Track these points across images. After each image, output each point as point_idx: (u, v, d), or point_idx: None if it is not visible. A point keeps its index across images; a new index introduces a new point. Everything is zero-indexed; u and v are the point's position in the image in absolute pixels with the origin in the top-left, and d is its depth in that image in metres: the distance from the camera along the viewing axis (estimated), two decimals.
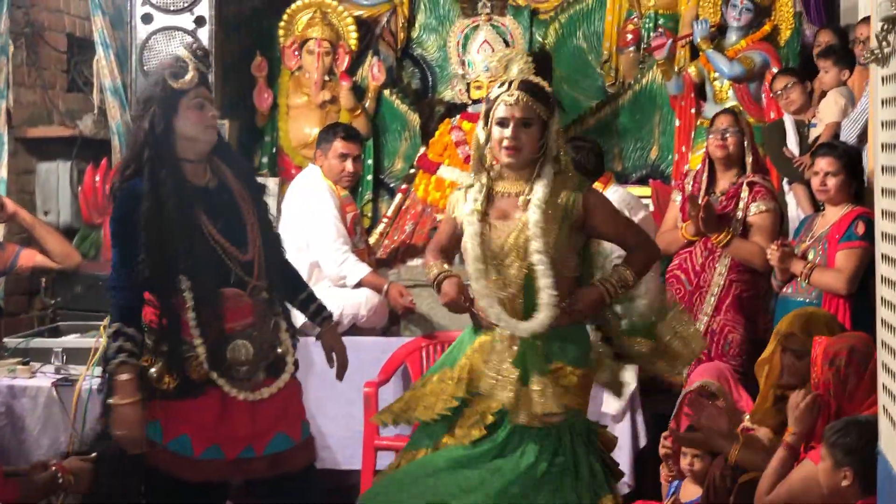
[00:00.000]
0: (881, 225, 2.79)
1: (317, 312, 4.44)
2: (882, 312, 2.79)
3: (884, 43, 2.64)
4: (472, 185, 4.17)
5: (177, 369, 3.99)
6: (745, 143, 5.76)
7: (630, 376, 5.83)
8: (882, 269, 2.79)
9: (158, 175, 3.95)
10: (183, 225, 3.96)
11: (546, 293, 4.00)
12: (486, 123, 4.13)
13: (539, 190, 4.05)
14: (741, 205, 5.66)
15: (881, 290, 2.80)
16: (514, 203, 4.10)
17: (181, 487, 4.06)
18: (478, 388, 4.10)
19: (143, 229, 3.92)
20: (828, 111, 6.46)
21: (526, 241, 4.01)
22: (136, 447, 3.97)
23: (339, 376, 4.45)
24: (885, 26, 2.62)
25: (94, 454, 4.62)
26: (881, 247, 2.80)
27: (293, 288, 4.42)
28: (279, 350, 4.19)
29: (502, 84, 4.12)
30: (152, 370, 3.99)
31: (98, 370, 4.89)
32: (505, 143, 4.05)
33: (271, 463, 4.12)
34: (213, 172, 4.15)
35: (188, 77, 4.01)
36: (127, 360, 3.92)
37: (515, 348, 4.06)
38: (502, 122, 4.06)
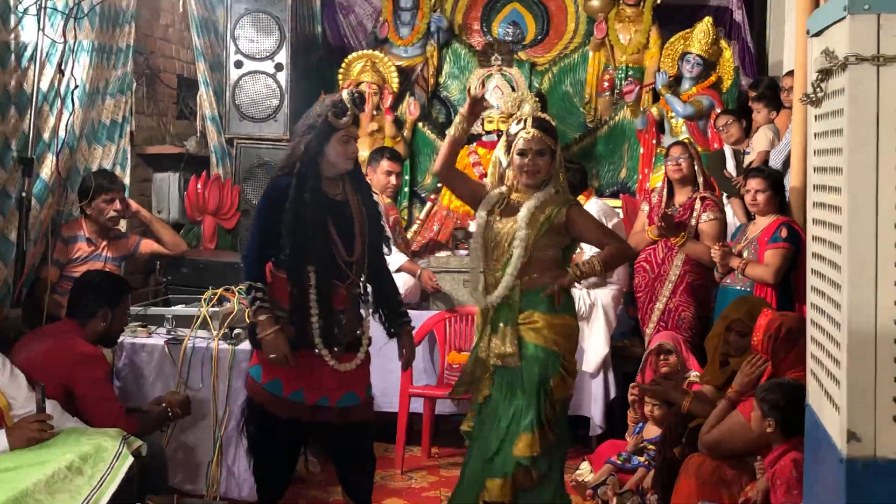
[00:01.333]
0: (812, 229, 2.74)
1: (401, 317, 4.41)
2: (811, 297, 2.74)
3: (818, 89, 2.59)
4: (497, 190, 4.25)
5: (297, 330, 4.04)
6: (696, 166, 5.72)
7: (603, 344, 5.85)
8: (812, 263, 2.73)
9: (305, 186, 4.02)
10: (317, 226, 4.02)
11: (509, 272, 4.08)
12: (507, 151, 4.19)
13: (532, 200, 4.11)
14: (695, 214, 5.64)
15: (811, 280, 2.74)
16: (518, 209, 4.16)
17: (272, 420, 4.14)
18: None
19: (288, 225, 3.99)
20: (759, 142, 6.42)
21: (515, 233, 4.07)
22: (287, 362, 4.02)
23: (404, 368, 4.54)
24: (819, 76, 2.57)
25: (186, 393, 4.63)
26: (812, 246, 2.74)
27: (389, 294, 4.41)
28: (358, 332, 4.23)
29: (518, 122, 4.17)
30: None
31: (199, 332, 4.90)
32: (525, 168, 4.12)
33: (341, 413, 4.16)
34: (343, 189, 4.18)
35: (345, 119, 4.05)
36: (262, 305, 4.01)
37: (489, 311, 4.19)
38: (522, 153, 4.12)
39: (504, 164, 4.23)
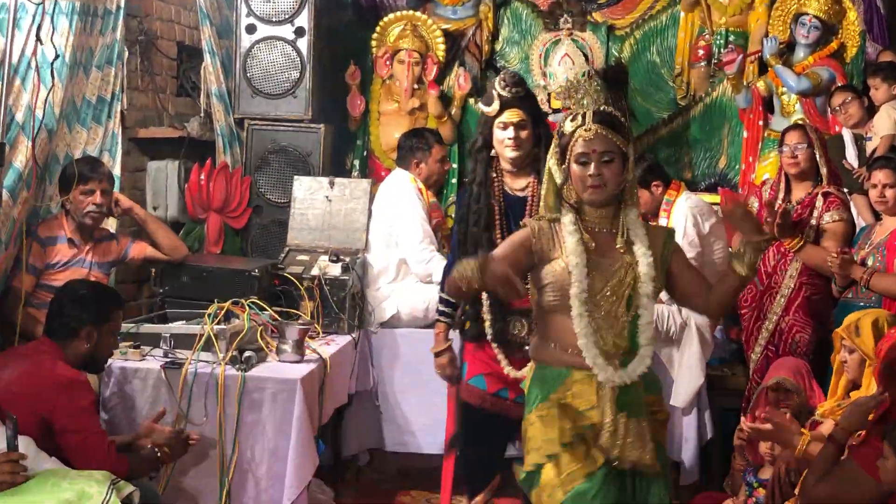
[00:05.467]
0: None
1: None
2: None
3: None
4: (555, 219, 3.81)
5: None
6: (818, 155, 5.65)
7: (698, 373, 5.81)
8: None
9: (475, 188, 4.82)
10: (482, 227, 4.80)
11: (648, 343, 3.74)
12: (562, 161, 3.78)
13: (639, 239, 3.75)
14: (815, 213, 5.57)
15: None
16: (610, 242, 3.76)
17: (480, 416, 4.88)
18: (581, 429, 3.70)
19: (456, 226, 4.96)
20: (881, 125, 6.37)
21: (634, 285, 3.72)
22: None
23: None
24: None
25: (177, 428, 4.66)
26: None
27: None
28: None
29: (574, 117, 3.75)
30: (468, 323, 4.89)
31: (202, 355, 4.93)
32: (589, 181, 3.69)
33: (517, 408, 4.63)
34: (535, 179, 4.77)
35: (492, 106, 4.70)
36: (440, 319, 5.09)
37: (611, 390, 3.69)
38: (583, 159, 3.70)
39: (559, 178, 3.84)
